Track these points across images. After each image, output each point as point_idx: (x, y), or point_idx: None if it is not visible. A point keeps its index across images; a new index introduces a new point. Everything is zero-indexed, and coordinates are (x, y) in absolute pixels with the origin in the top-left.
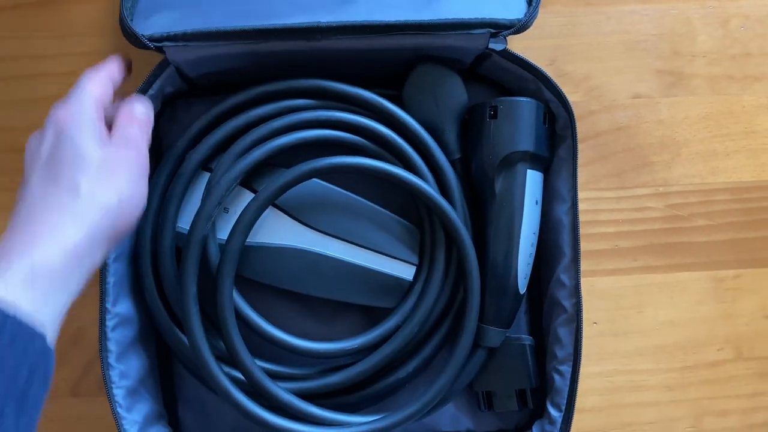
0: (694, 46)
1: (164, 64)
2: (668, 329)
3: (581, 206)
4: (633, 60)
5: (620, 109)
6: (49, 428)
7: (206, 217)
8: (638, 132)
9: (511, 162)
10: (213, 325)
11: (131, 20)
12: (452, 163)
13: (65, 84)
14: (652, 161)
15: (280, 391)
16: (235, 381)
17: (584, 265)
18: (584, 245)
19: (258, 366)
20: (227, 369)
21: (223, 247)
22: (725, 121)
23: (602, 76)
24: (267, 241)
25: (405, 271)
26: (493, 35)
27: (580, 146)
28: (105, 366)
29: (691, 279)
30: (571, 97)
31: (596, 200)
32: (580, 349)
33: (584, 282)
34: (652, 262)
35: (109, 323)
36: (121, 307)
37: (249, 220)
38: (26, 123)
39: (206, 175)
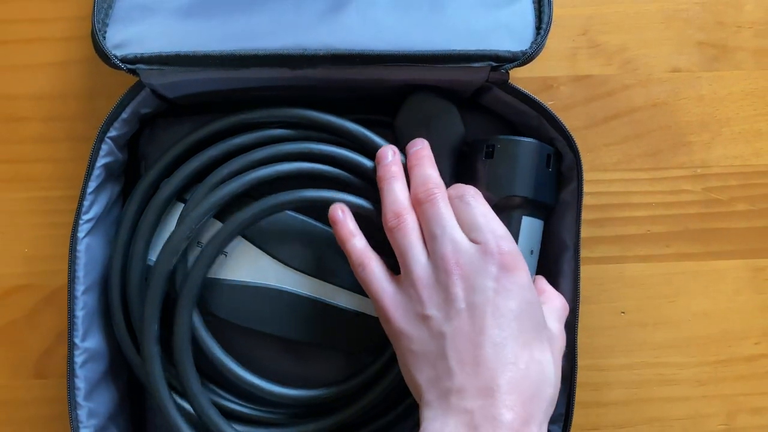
0: (740, 16)
1: (138, 87)
2: (701, 320)
3: (613, 187)
4: (672, 31)
5: (657, 84)
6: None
7: (172, 251)
8: (676, 109)
9: (505, 207)
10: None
11: (104, 33)
12: None
13: (64, 49)
14: (690, 141)
15: None
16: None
17: (614, 251)
18: (614, 229)
19: (215, 411)
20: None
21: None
22: None
23: (639, 48)
24: (242, 279)
25: None
26: (494, 69)
27: (614, 123)
28: (72, 405)
29: (729, 268)
30: (605, 70)
31: (629, 182)
32: (572, 411)
33: (613, 268)
34: (686, 248)
35: (78, 359)
36: (92, 341)
37: (209, 254)
38: (24, 90)
39: (181, 206)
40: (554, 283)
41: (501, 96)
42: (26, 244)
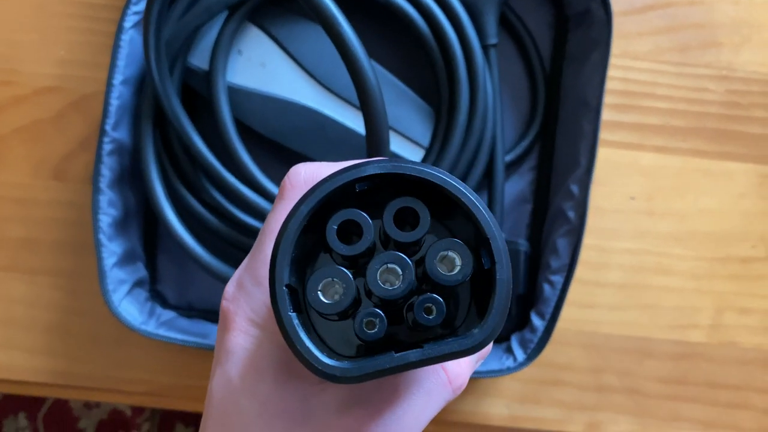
0: None
1: None
2: (705, 217)
3: (640, 76)
4: None
5: None
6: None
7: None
8: (711, 9)
9: None
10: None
11: None
12: (486, 47)
13: None
14: (720, 42)
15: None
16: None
17: (632, 138)
18: (635, 117)
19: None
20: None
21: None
22: None
23: None
24: (277, 93)
25: (413, 153)
26: None
27: (650, 14)
28: (95, 189)
29: (739, 170)
30: None
31: (655, 73)
32: (576, 262)
33: (629, 155)
34: (701, 146)
35: (106, 147)
36: (121, 132)
37: None
38: None
39: (223, 15)
40: (574, 143)
41: None
42: (62, 47)
